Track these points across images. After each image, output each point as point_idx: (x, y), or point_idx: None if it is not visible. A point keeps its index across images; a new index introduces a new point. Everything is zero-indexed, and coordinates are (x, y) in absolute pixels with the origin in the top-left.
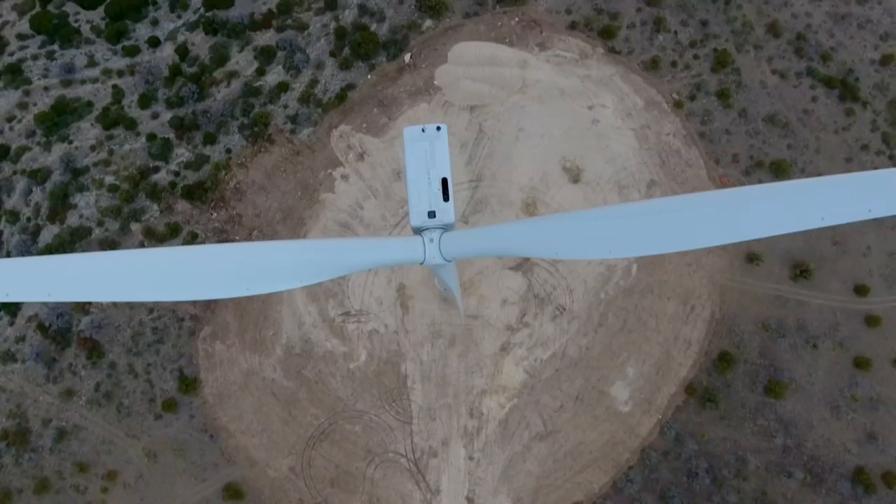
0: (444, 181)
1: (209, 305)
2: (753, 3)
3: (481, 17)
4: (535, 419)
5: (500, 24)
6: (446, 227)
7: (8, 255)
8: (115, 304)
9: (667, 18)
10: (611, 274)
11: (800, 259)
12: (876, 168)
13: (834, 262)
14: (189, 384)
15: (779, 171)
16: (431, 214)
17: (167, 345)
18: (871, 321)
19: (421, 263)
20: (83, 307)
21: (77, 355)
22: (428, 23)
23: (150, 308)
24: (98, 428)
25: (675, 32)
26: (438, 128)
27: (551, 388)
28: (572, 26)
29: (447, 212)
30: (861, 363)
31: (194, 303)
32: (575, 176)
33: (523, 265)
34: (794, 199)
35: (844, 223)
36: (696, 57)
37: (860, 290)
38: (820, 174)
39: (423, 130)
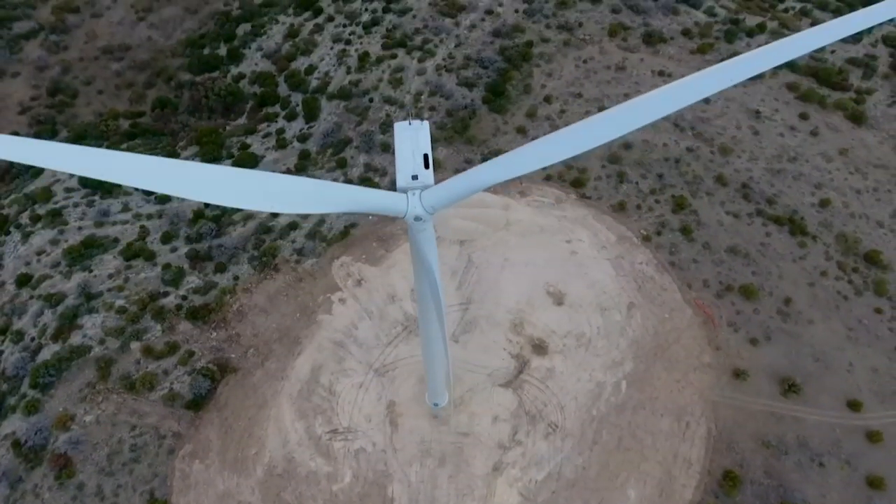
0: (426, 156)
1: (194, 422)
2: (700, 161)
3: None
4: None
5: None
6: (426, 188)
7: (3, 373)
8: (97, 421)
9: (628, 172)
10: (601, 390)
11: (785, 374)
12: (839, 293)
13: (820, 379)
14: None
15: (748, 294)
16: (415, 177)
17: (143, 464)
18: (873, 437)
19: (403, 216)
20: (65, 424)
21: (45, 475)
22: None
23: (133, 425)
24: None
25: (637, 183)
26: (422, 120)
27: None
28: (547, 178)
29: (427, 176)
30: (874, 482)
31: (178, 420)
32: (558, 299)
33: (513, 382)
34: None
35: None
36: (657, 201)
37: (853, 406)
38: (788, 298)
39: (409, 123)
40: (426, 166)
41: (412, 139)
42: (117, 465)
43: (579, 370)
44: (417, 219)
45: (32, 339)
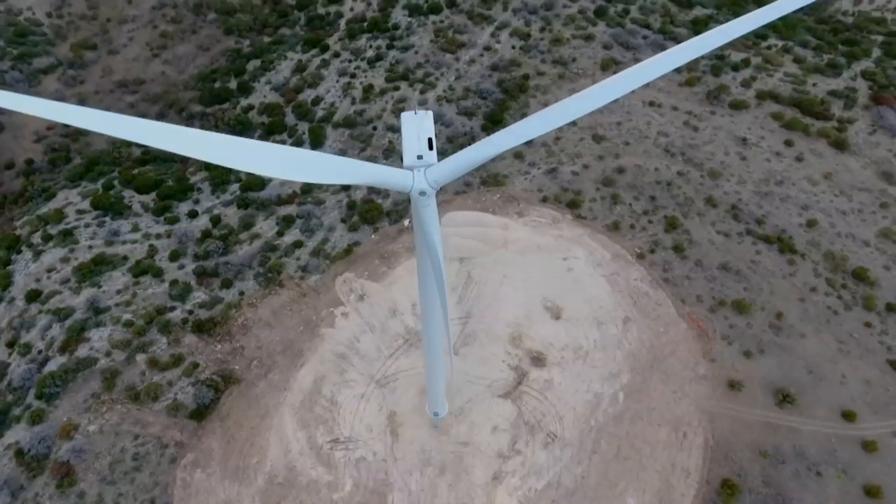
0: (430, 139)
1: (196, 432)
2: (690, 184)
3: (469, 194)
4: None
5: (484, 198)
6: (429, 166)
7: (9, 384)
8: (101, 431)
9: (621, 195)
10: (598, 401)
11: (780, 386)
12: (829, 308)
13: (815, 390)
14: None
15: (741, 308)
16: (419, 157)
17: (144, 473)
18: (868, 446)
19: (409, 191)
20: (68, 433)
21: (47, 484)
22: None
23: (136, 435)
24: None
25: (630, 204)
26: (426, 111)
27: None
28: (544, 200)
29: (431, 156)
30: (872, 491)
31: (181, 429)
32: (556, 313)
33: (512, 393)
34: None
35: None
36: (650, 221)
37: (848, 416)
38: (780, 313)
39: (415, 113)
40: (430, 148)
41: (418, 126)
42: (119, 474)
43: (577, 381)
44: (422, 193)
45: (39, 352)
